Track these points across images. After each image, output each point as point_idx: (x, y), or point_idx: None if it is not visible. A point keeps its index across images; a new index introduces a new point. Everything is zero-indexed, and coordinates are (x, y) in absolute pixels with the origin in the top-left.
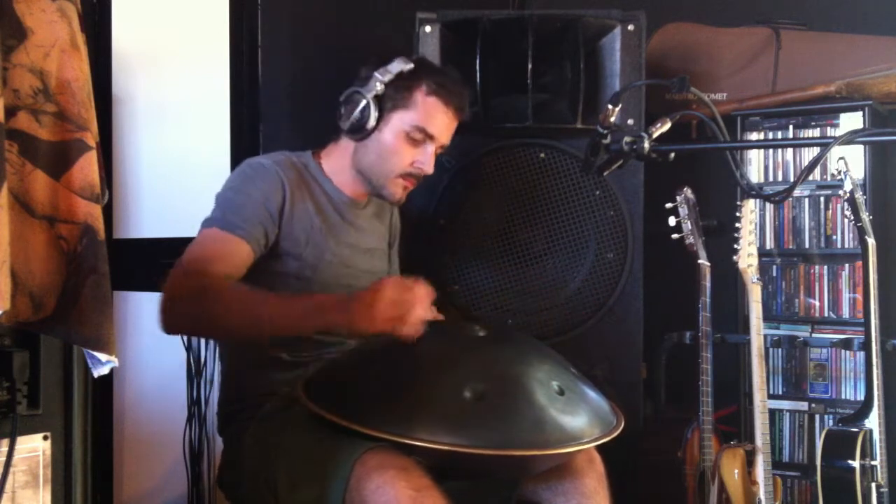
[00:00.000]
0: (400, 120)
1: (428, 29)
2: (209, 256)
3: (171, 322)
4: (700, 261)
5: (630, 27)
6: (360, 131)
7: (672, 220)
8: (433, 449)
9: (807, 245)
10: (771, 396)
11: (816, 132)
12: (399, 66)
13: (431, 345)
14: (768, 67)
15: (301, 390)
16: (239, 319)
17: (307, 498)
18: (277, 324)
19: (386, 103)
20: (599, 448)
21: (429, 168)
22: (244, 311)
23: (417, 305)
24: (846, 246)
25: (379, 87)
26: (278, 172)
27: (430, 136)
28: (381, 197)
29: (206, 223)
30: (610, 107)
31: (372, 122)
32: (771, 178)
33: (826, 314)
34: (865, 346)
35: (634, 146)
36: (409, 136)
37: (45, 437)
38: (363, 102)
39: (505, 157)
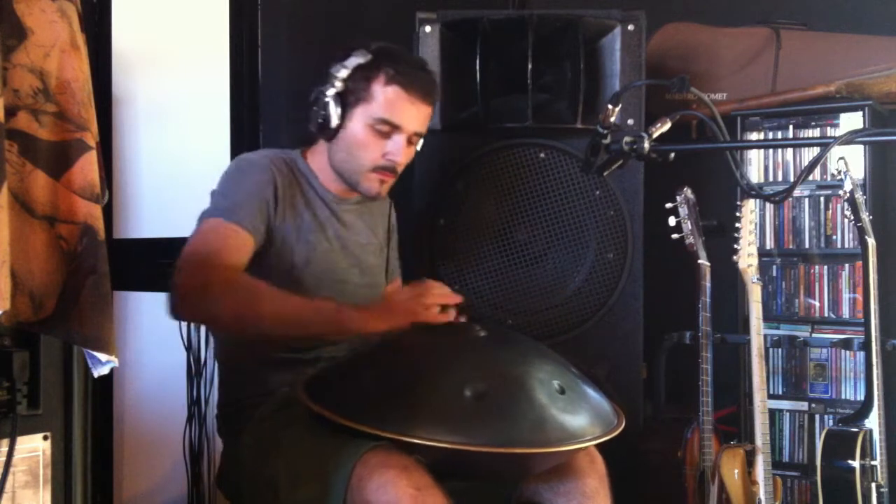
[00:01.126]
0: (363, 114)
1: (428, 29)
2: (215, 248)
3: (187, 314)
4: (700, 261)
5: (630, 27)
6: (326, 131)
7: (672, 220)
8: (434, 447)
9: (807, 245)
10: (771, 396)
11: (816, 132)
12: (356, 59)
13: (432, 344)
14: (768, 67)
15: (302, 390)
16: (264, 316)
17: (308, 497)
18: (298, 324)
19: (348, 98)
20: (600, 448)
21: (401, 158)
22: (271, 308)
23: (433, 296)
24: (846, 246)
25: (338, 84)
26: (270, 167)
27: (395, 127)
28: (359, 192)
29: (206, 214)
30: (610, 107)
31: (335, 121)
32: (771, 178)
33: (826, 314)
34: (865, 346)
35: (634, 146)
36: (374, 128)
37: (45, 437)
38: (325, 101)
39: (505, 157)
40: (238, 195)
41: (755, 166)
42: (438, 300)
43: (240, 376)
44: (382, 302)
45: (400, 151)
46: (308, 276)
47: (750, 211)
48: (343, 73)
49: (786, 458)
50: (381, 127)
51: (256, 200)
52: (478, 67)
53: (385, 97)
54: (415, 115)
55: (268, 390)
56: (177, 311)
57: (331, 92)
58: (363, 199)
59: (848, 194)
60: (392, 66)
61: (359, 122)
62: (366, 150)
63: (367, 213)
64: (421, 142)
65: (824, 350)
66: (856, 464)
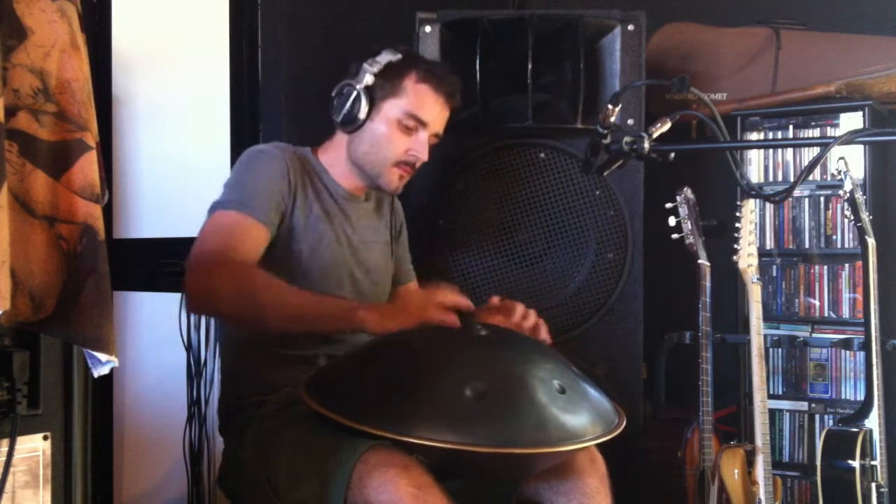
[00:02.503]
0: (391, 108)
1: (428, 29)
2: (228, 243)
3: (201, 310)
4: (700, 261)
5: (630, 27)
6: (352, 123)
7: (672, 220)
8: (434, 447)
9: (807, 245)
10: (771, 396)
11: (816, 132)
12: (388, 56)
13: (433, 344)
14: (768, 67)
15: (303, 389)
16: (276, 312)
17: (308, 495)
18: (309, 320)
19: (377, 93)
20: (600, 447)
21: (423, 155)
22: (282, 305)
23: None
24: (846, 246)
25: (369, 78)
26: (283, 157)
27: (422, 123)
28: (377, 188)
29: (219, 205)
30: (610, 107)
31: (363, 113)
32: (771, 178)
33: (826, 314)
34: (865, 346)
35: (634, 146)
36: (401, 123)
37: (45, 437)
38: (354, 94)
39: (505, 157)
40: (252, 186)
41: (755, 166)
42: (450, 304)
43: (243, 373)
44: (395, 302)
45: (424, 148)
46: (314, 268)
47: (750, 211)
48: (375, 67)
49: (786, 458)
50: (408, 122)
51: (271, 191)
52: (478, 67)
53: (416, 93)
54: (439, 114)
55: (270, 388)
56: (191, 307)
57: (361, 85)
58: (371, 199)
59: (848, 194)
60: (424, 64)
61: (386, 115)
62: (390, 143)
63: (374, 213)
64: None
65: (824, 350)
66: (856, 464)
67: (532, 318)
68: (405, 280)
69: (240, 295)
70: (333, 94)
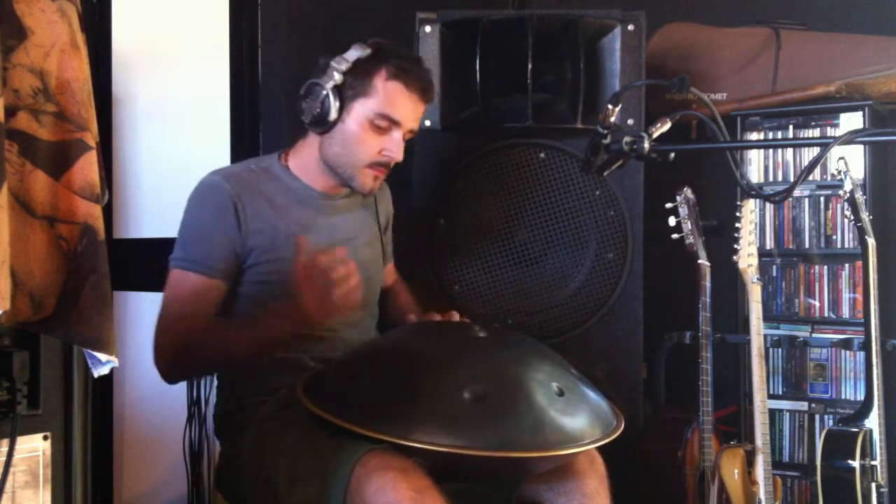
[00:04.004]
0: (362, 108)
1: (428, 29)
2: (184, 307)
3: (172, 376)
4: (700, 261)
5: (630, 27)
6: (322, 124)
7: (672, 220)
8: (433, 450)
9: (807, 245)
10: (771, 396)
11: (816, 132)
12: (356, 52)
13: (431, 346)
14: (768, 67)
15: (301, 391)
16: (221, 359)
17: (307, 498)
18: (251, 351)
19: (346, 92)
20: (599, 448)
21: (397, 155)
22: (222, 350)
23: (336, 267)
24: (846, 246)
25: (337, 77)
26: (228, 191)
27: (395, 122)
28: (351, 188)
29: (173, 262)
30: (610, 107)
31: (334, 114)
32: (771, 178)
33: (826, 314)
34: (865, 346)
35: (634, 146)
36: (373, 123)
37: (45, 437)
38: (323, 94)
39: (505, 157)
40: (199, 236)
41: (755, 166)
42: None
43: (241, 376)
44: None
45: (399, 147)
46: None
47: (750, 211)
48: (343, 65)
49: (786, 458)
50: (380, 122)
51: (217, 238)
52: (478, 67)
53: (386, 92)
54: (412, 112)
55: (269, 391)
56: (161, 374)
57: (329, 84)
58: (352, 193)
59: (848, 194)
60: (394, 61)
61: (357, 116)
62: (363, 144)
63: (358, 206)
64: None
65: (824, 350)
66: (856, 464)
67: None
68: (385, 263)
69: (185, 356)
70: (301, 92)
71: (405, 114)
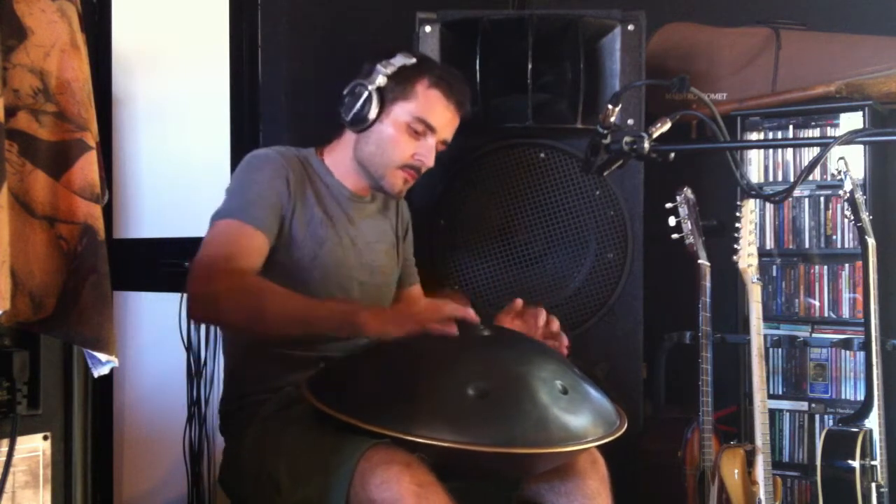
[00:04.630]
0: (401, 111)
1: (428, 29)
2: (228, 252)
3: (201, 319)
4: (700, 261)
5: (630, 27)
6: (361, 122)
7: (672, 220)
8: (436, 446)
9: (807, 245)
10: (771, 396)
11: (816, 132)
12: (402, 59)
13: (435, 343)
14: (768, 67)
15: (306, 388)
16: (276, 318)
17: (311, 494)
18: (310, 324)
19: (388, 95)
20: (601, 448)
21: (429, 161)
22: (282, 311)
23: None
24: (846, 246)
25: (381, 80)
26: (283, 162)
27: (431, 128)
28: (380, 189)
29: (220, 214)
30: (610, 107)
31: (373, 113)
32: (771, 178)
33: (826, 314)
34: (865, 346)
35: (634, 146)
36: (409, 127)
37: (45, 437)
38: (365, 94)
39: (505, 157)
40: (251, 193)
41: (755, 166)
42: (455, 315)
43: (245, 372)
44: (398, 306)
45: (430, 154)
46: (315, 272)
47: (750, 211)
48: (389, 69)
49: (786, 458)
50: (416, 126)
51: (269, 197)
52: (478, 67)
53: (427, 98)
54: (449, 122)
55: (273, 388)
56: (192, 315)
57: (373, 86)
58: (377, 199)
59: (848, 194)
60: (437, 71)
61: (395, 118)
62: (397, 146)
63: (379, 213)
64: None
65: (824, 350)
66: (856, 464)
67: (555, 324)
68: (409, 282)
69: (240, 302)
70: (345, 92)
71: (442, 122)
